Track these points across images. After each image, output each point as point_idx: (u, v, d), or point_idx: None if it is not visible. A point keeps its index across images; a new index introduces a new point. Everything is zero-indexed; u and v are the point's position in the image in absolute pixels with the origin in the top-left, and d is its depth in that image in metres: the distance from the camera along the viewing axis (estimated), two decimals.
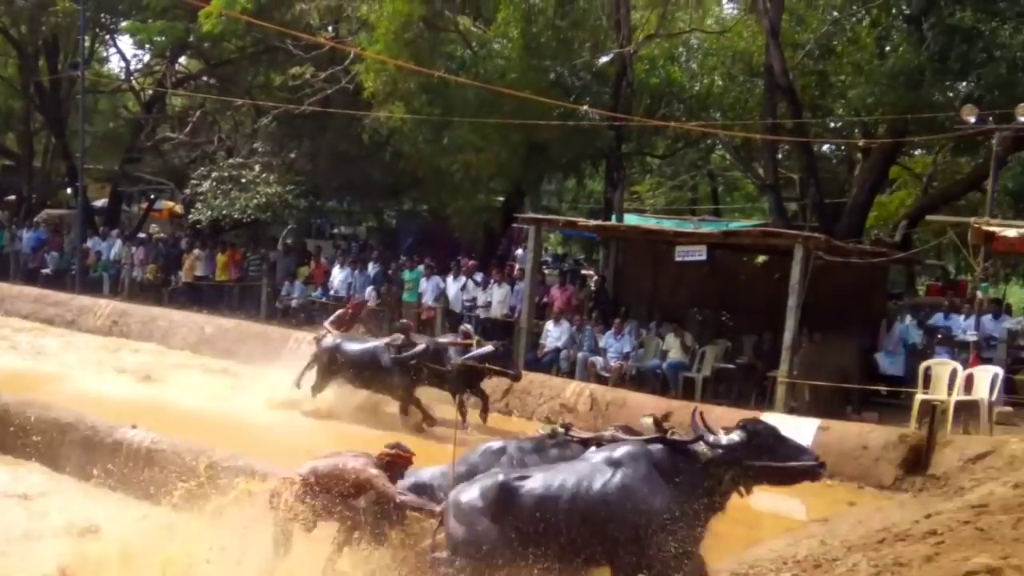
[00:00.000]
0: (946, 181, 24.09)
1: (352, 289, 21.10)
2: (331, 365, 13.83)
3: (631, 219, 24.20)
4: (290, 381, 14.10)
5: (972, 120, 15.28)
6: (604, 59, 22.57)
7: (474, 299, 19.44)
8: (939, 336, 15.78)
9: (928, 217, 19.78)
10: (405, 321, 15.14)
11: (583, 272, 25.89)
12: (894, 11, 21.10)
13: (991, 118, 15.68)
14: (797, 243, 14.63)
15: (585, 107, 21.14)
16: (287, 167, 23.44)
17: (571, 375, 16.38)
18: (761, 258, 20.13)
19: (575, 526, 6.32)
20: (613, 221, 20.94)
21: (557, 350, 17.04)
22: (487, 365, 13.00)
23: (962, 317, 15.77)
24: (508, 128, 19.22)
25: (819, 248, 14.44)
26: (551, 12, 20.72)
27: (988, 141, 16.07)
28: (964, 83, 18.99)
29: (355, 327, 15.41)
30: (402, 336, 13.61)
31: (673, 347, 16.41)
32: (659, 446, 6.57)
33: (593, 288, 21.32)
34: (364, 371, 13.62)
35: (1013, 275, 20.58)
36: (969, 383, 12.73)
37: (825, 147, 26.30)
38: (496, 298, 19.11)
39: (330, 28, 24.60)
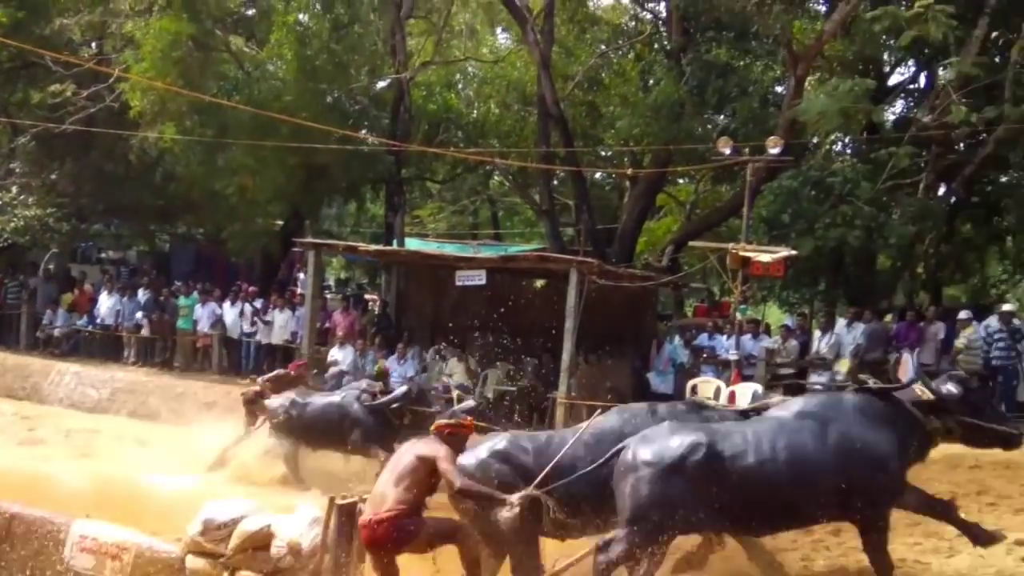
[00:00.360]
0: (708, 208, 25.52)
1: (120, 317, 20.15)
2: (288, 425, 12.06)
3: (413, 243, 24.31)
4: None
5: (728, 151, 16.23)
6: (381, 84, 22.66)
7: (255, 324, 18.97)
8: (704, 355, 16.71)
9: (691, 243, 20.84)
10: (384, 366, 13.95)
11: (366, 297, 25.75)
12: (656, 46, 22.27)
13: (746, 150, 16.71)
14: (572, 267, 15.05)
15: (364, 132, 21.11)
16: (48, 189, 22.13)
17: None
18: (540, 282, 20.69)
19: (792, 487, 6.06)
20: (394, 246, 20.97)
21: (341, 375, 16.85)
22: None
23: (725, 337, 16.72)
24: (285, 151, 18.85)
25: (592, 272, 14.94)
26: (326, 36, 20.55)
27: (743, 171, 17.15)
28: (721, 116, 20.24)
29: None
30: (379, 384, 12.26)
31: (456, 371, 16.61)
32: (857, 396, 6.49)
33: (376, 313, 21.25)
34: (330, 428, 11.89)
35: (770, 297, 21.93)
36: (731, 400, 13.48)
37: (598, 175, 27.30)
38: (277, 324, 18.75)
39: (93, 45, 23.45)
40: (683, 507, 6.00)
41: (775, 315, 24.85)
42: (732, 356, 15.12)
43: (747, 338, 16.22)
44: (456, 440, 6.67)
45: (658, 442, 6.19)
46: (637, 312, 18.30)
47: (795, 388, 15.44)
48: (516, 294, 19.64)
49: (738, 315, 15.61)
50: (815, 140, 18.76)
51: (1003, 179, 20.37)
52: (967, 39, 16.44)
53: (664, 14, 22.09)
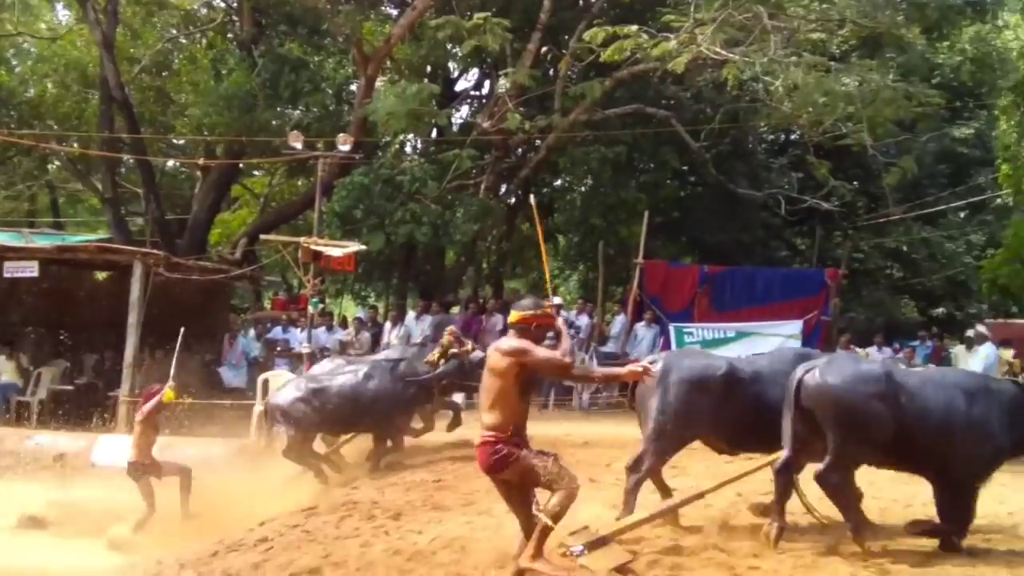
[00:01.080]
0: (283, 201, 25.48)
1: None
2: (309, 414, 10.46)
3: None
4: None
5: (299, 146, 16.24)
6: None
7: None
8: (278, 348, 16.71)
9: (262, 237, 20.59)
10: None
11: None
12: (230, 35, 21.84)
13: (319, 145, 16.87)
14: (136, 259, 14.46)
15: None
16: None
17: None
18: (103, 274, 19.53)
19: (932, 438, 6.53)
20: None
21: None
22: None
23: (299, 330, 16.80)
24: None
25: (159, 264, 14.44)
26: None
27: (317, 165, 17.29)
28: (296, 110, 20.27)
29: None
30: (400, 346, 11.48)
31: (6, 370, 15.42)
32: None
33: None
34: (362, 406, 10.49)
35: (344, 290, 22.34)
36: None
37: (169, 163, 26.25)
38: None
39: None
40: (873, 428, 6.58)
41: (352, 309, 25.39)
42: (304, 349, 15.21)
43: (321, 330, 16.44)
44: (541, 332, 6.12)
45: (846, 368, 6.73)
46: (210, 305, 17.83)
47: None
48: (76, 287, 18.49)
49: (310, 308, 15.72)
50: (386, 139, 19.40)
51: (556, 183, 22.37)
52: (522, 52, 17.82)
53: (236, 4, 21.69)
